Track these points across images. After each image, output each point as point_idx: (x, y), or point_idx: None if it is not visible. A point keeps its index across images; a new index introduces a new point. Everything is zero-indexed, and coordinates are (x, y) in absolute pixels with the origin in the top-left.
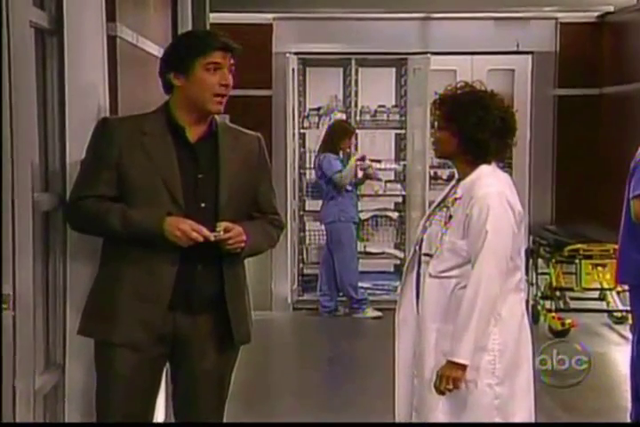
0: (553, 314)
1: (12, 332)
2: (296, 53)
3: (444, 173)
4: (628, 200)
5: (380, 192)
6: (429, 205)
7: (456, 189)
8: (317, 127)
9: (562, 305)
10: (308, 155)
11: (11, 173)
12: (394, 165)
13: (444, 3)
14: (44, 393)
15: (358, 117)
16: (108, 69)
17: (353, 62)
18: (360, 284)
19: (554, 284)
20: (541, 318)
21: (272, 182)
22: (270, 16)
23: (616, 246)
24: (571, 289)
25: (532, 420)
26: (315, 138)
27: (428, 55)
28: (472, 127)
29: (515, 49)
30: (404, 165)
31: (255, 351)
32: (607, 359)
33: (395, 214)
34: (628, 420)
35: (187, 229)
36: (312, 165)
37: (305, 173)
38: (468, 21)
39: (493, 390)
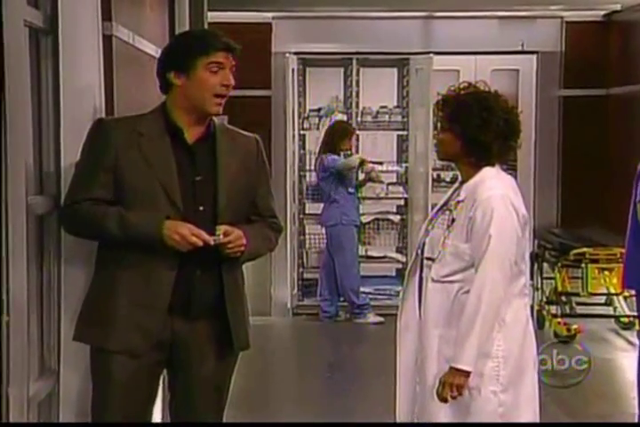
0: (558, 319)
1: (5, 337)
2: (296, 53)
3: (447, 176)
4: (634, 203)
5: (382, 195)
6: (432, 208)
7: (459, 191)
8: (318, 128)
9: (567, 310)
10: (308, 157)
11: (4, 176)
12: (396, 168)
13: (446, 1)
14: (38, 400)
15: (359, 118)
16: (104, 69)
17: (354, 62)
18: (361, 288)
19: (559, 288)
20: (546, 324)
21: (270, 185)
22: (269, 15)
23: (623, 250)
24: (576, 294)
25: None
26: (315, 139)
27: (431, 55)
28: (475, 129)
29: (519, 49)
30: (406, 168)
31: (254, 358)
32: (614, 366)
33: (397, 217)
34: None
35: (186, 233)
36: (312, 167)
37: (305, 176)
38: (472, 20)
39: (497, 397)
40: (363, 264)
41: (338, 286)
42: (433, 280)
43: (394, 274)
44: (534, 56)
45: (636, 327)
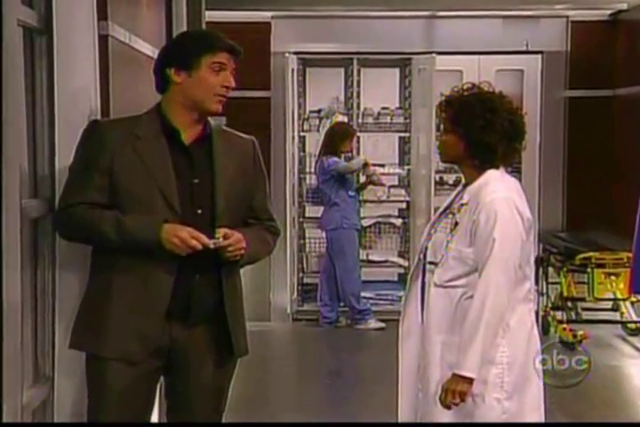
0: (564, 325)
1: None
2: (296, 53)
3: (450, 178)
4: None
5: (384, 198)
6: (434, 212)
7: (462, 194)
8: (318, 130)
9: (573, 316)
10: (308, 159)
11: None
12: (398, 170)
13: (449, 0)
14: (32, 408)
15: (360, 120)
16: (100, 70)
17: (355, 62)
18: (362, 293)
19: (565, 294)
20: (552, 330)
21: (267, 187)
22: (269, 14)
23: (630, 255)
24: (582, 299)
25: None
26: (315, 141)
27: (434, 55)
28: (479, 130)
29: (524, 48)
30: (409, 170)
31: (253, 364)
32: (621, 373)
33: (398, 221)
34: None
35: (185, 236)
36: (312, 170)
37: (305, 178)
38: (475, 20)
39: (501, 404)
40: (364, 269)
41: (338, 291)
42: (436, 285)
43: (396, 279)
44: (539, 56)
45: None
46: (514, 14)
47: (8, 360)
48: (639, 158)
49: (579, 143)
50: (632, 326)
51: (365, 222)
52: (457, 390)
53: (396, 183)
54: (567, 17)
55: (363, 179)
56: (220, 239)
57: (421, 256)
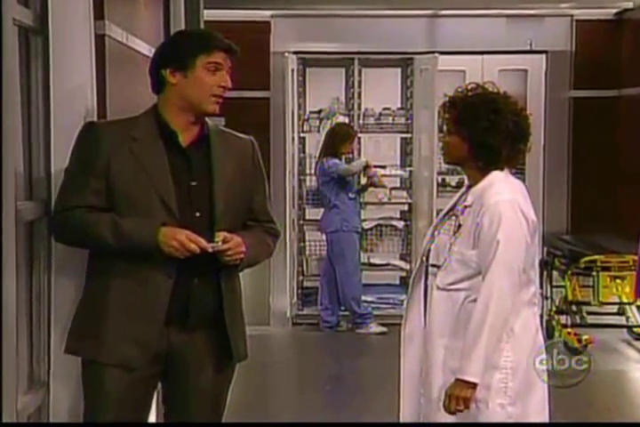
0: (569, 330)
1: None
2: (295, 53)
3: (453, 180)
4: None
5: (385, 200)
6: (437, 214)
7: (466, 196)
8: (318, 131)
9: (578, 320)
10: (308, 160)
11: None
12: (399, 172)
13: None
14: (27, 414)
15: (361, 121)
16: (96, 70)
17: (356, 62)
18: (363, 297)
19: (569, 297)
20: (556, 334)
21: (267, 188)
22: (268, 13)
23: (635, 258)
24: (587, 303)
25: None
26: (315, 142)
27: (436, 55)
28: (483, 132)
29: (527, 48)
30: (410, 172)
31: (252, 369)
32: (627, 378)
33: (400, 223)
34: None
35: (184, 239)
36: (312, 172)
37: (305, 180)
38: (478, 19)
39: (505, 410)
40: (365, 272)
41: (339, 294)
42: (438, 288)
43: (397, 282)
44: (543, 56)
45: None
46: (517, 13)
47: (3, 365)
48: None
49: (583, 144)
50: (638, 330)
51: (366, 225)
52: (460, 395)
53: (398, 185)
54: (572, 16)
55: (364, 181)
56: (219, 243)
57: (424, 259)
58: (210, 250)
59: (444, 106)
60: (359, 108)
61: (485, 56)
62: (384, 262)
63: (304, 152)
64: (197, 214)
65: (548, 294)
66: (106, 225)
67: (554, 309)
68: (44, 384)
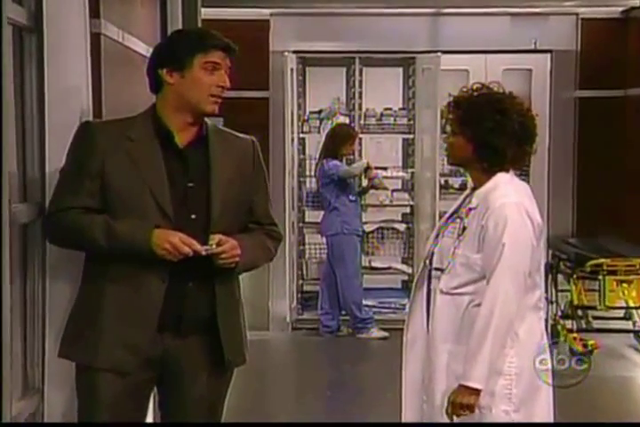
0: (574, 335)
1: None
2: (295, 52)
3: (456, 182)
4: None
5: (387, 202)
6: (439, 216)
7: (471, 198)
8: (318, 132)
9: (584, 325)
10: (308, 161)
11: None
12: (401, 173)
13: None
14: (21, 420)
15: (363, 121)
16: (92, 69)
17: (357, 62)
18: (364, 301)
19: (575, 302)
20: (561, 339)
21: (268, 190)
22: (267, 11)
23: None
24: (593, 307)
25: None
26: (315, 143)
27: (439, 54)
28: (488, 133)
29: (532, 47)
30: (413, 173)
31: (251, 375)
32: (633, 384)
33: (402, 226)
34: None
35: (176, 242)
36: (312, 173)
37: (305, 182)
38: (482, 17)
39: (509, 416)
40: (366, 276)
41: (339, 298)
42: (442, 292)
43: (399, 286)
44: (548, 55)
45: None
46: (522, 11)
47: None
48: None
49: (589, 145)
50: None
51: (368, 228)
52: (463, 402)
53: (400, 187)
54: (577, 14)
55: (365, 182)
56: (214, 246)
57: (427, 262)
58: (203, 253)
59: (448, 106)
60: (360, 109)
61: (489, 55)
62: (385, 266)
63: (304, 153)
64: (193, 217)
65: (554, 299)
66: (99, 227)
67: (559, 313)
68: (38, 390)
